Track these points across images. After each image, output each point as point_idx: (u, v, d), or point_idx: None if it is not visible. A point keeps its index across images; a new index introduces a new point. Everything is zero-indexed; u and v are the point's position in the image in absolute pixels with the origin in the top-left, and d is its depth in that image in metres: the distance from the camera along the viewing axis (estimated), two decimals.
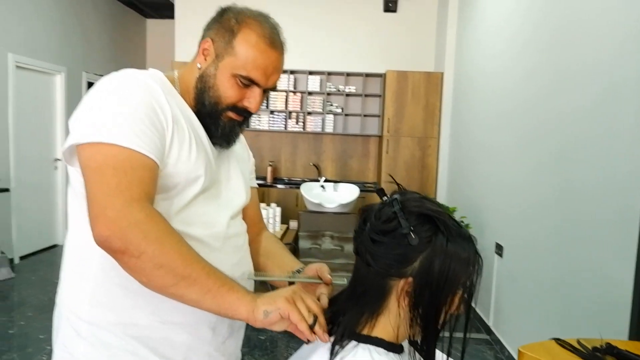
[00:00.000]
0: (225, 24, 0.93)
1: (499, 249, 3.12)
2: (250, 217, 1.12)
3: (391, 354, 0.76)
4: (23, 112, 4.64)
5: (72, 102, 5.42)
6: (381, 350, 0.76)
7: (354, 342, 0.76)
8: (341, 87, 5.21)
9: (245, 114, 0.97)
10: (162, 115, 0.86)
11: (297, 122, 5.26)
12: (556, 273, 2.35)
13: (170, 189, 0.88)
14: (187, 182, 0.90)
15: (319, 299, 0.87)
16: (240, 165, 1.08)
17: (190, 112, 0.95)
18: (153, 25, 7.25)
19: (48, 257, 5.00)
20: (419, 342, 0.78)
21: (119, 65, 6.42)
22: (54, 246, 5.32)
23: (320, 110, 5.22)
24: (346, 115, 5.27)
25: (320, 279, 0.94)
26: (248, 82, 0.92)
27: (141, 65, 7.11)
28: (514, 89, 3.01)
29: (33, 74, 4.82)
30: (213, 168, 0.96)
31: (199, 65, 0.95)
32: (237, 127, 0.99)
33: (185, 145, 0.89)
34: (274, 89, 0.98)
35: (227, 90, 0.93)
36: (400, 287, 0.74)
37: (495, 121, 3.36)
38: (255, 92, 0.94)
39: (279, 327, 0.77)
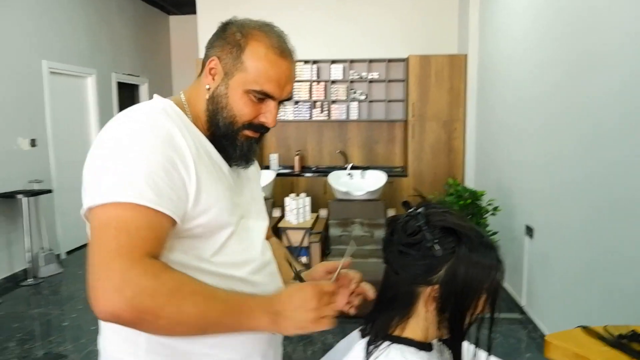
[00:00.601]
0: (230, 39, 0.88)
1: (529, 231, 3.14)
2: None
3: (421, 352, 0.84)
4: (59, 115, 4.85)
5: (104, 102, 5.62)
6: (412, 349, 0.83)
7: (387, 342, 0.84)
8: (364, 74, 5.21)
9: (262, 130, 0.93)
10: (180, 164, 0.81)
11: (321, 111, 5.31)
12: (587, 254, 2.36)
13: (201, 233, 0.86)
14: (219, 223, 0.87)
15: (363, 296, 0.98)
16: (254, 182, 1.06)
17: (207, 142, 0.90)
18: (175, 22, 7.37)
19: None
20: (446, 340, 0.85)
21: (145, 64, 6.60)
22: None
23: (344, 98, 5.25)
24: (370, 101, 5.28)
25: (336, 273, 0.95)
26: (262, 97, 0.88)
27: (166, 62, 7.26)
28: (541, 70, 2.97)
29: (66, 78, 5.01)
30: (237, 204, 0.93)
31: (207, 86, 0.90)
32: (255, 144, 0.94)
33: (213, 187, 0.86)
34: (289, 99, 0.93)
35: (241, 109, 0.88)
36: (427, 293, 0.81)
37: (522, 102, 3.33)
38: (271, 105, 0.90)
39: None
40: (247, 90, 0.87)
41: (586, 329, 1.21)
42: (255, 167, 1.06)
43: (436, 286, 0.80)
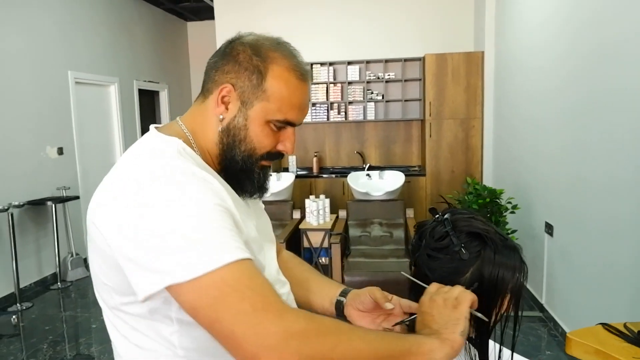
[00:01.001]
0: (245, 63, 0.79)
1: (549, 228, 3.12)
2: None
3: None
4: (84, 124, 5.00)
5: (126, 109, 5.76)
6: None
7: None
8: (380, 74, 5.24)
9: (278, 157, 0.87)
10: (226, 205, 0.72)
11: (338, 113, 5.35)
12: (607, 251, 2.35)
13: None
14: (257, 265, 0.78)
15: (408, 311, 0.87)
16: (260, 204, 0.98)
17: (221, 178, 0.81)
18: (193, 28, 7.50)
19: None
20: (473, 337, 0.88)
21: (165, 70, 6.73)
22: None
23: (361, 99, 5.28)
24: (387, 101, 5.30)
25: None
26: (282, 125, 0.81)
27: (185, 68, 7.39)
28: (562, 61, 2.93)
29: (90, 87, 5.17)
30: (262, 237, 0.87)
31: (221, 117, 0.80)
32: (268, 171, 0.87)
33: (248, 226, 0.79)
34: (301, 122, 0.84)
35: (262, 140, 0.81)
36: None
37: (542, 94, 3.30)
38: (289, 132, 0.83)
39: None
40: (269, 121, 0.80)
41: (606, 326, 1.23)
42: None
43: (463, 287, 0.83)
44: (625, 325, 1.22)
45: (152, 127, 0.84)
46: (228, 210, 0.71)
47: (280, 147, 0.84)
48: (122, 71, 5.68)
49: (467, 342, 0.91)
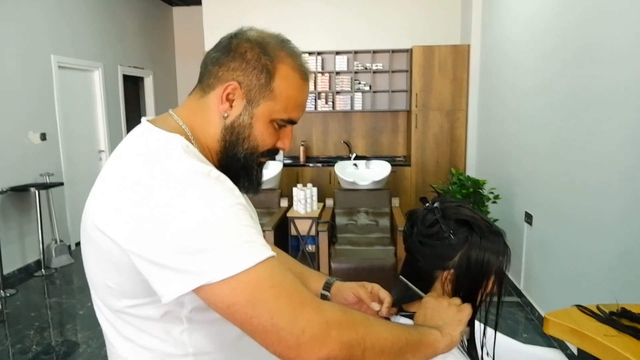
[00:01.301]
0: (254, 62, 0.78)
1: (529, 218, 3.23)
2: None
3: None
4: (67, 109, 4.94)
5: (110, 95, 5.70)
6: None
7: (408, 322, 0.93)
8: (368, 65, 5.27)
9: (276, 154, 0.88)
10: (241, 201, 0.73)
11: (326, 102, 5.38)
12: (583, 240, 2.45)
13: None
14: None
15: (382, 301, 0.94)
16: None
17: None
18: (179, 13, 7.40)
19: None
20: None
21: (150, 57, 6.65)
22: None
23: (349, 89, 5.31)
24: (374, 92, 5.35)
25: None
26: (284, 124, 0.83)
27: (170, 54, 7.31)
28: (548, 56, 3.00)
29: (74, 72, 5.09)
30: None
31: (225, 115, 0.80)
32: (263, 167, 0.88)
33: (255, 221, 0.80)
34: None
35: (265, 139, 0.82)
36: (444, 277, 0.92)
37: (527, 89, 3.38)
38: (288, 130, 0.85)
39: None
40: (274, 119, 0.81)
41: (581, 308, 1.31)
42: None
43: (452, 270, 0.90)
44: (598, 307, 1.29)
45: (144, 120, 0.81)
46: (246, 208, 0.72)
47: (279, 145, 0.85)
48: (106, 56, 5.60)
49: None
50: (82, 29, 5.17)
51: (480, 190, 3.56)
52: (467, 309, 0.86)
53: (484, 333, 0.96)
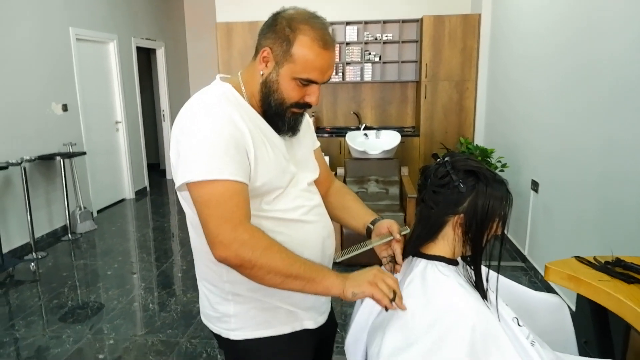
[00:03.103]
0: (280, 33, 1.02)
1: (535, 185, 3.37)
2: (320, 174, 1.27)
3: (450, 266, 1.10)
4: (86, 81, 5.07)
5: (125, 66, 5.80)
6: (443, 264, 1.10)
7: (424, 262, 1.10)
8: (378, 36, 5.32)
9: (307, 107, 1.10)
10: (242, 140, 1.01)
11: (336, 73, 5.46)
12: (585, 206, 2.61)
13: (259, 192, 1.06)
14: (272, 187, 1.08)
15: (395, 254, 1.14)
16: (305, 140, 1.23)
17: (260, 119, 1.08)
18: None
19: (120, 210, 5.61)
20: (468, 258, 1.11)
21: (162, 29, 6.70)
22: (122, 200, 5.92)
23: (359, 60, 5.38)
24: (384, 62, 5.41)
25: (392, 235, 1.15)
26: (307, 83, 1.04)
27: (181, 27, 7.35)
28: (558, 26, 3.07)
29: (90, 44, 5.19)
30: (288, 165, 1.11)
31: (261, 72, 1.06)
32: (300, 117, 1.13)
33: (265, 158, 1.05)
34: (328, 81, 1.09)
35: (289, 92, 1.05)
36: (454, 221, 1.07)
37: (533, 62, 3.48)
38: (314, 88, 1.06)
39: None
40: (295, 78, 1.03)
41: (579, 258, 1.48)
42: (305, 125, 1.21)
43: (461, 215, 1.05)
44: (594, 258, 1.46)
45: (217, 76, 1.14)
46: (242, 141, 1.01)
47: (307, 99, 1.08)
48: (120, 28, 5.68)
49: (463, 262, 1.14)
50: (97, 0, 5.24)
51: (488, 159, 3.70)
52: (374, 289, 0.98)
53: (488, 274, 1.12)
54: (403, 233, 1.17)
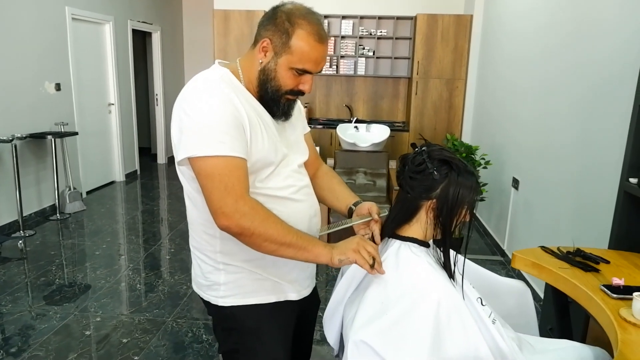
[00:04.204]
0: (280, 26, 1.12)
1: (515, 183, 3.49)
2: (309, 156, 1.38)
3: (422, 247, 1.19)
4: (80, 61, 5.08)
5: (120, 49, 5.81)
6: (415, 245, 1.19)
7: (397, 243, 1.19)
8: (373, 31, 5.40)
9: (300, 94, 1.21)
10: (240, 119, 1.10)
11: (330, 66, 5.53)
12: (561, 204, 2.72)
13: (253, 169, 1.15)
14: (265, 164, 1.17)
15: (373, 234, 1.24)
16: (297, 124, 1.33)
17: (255, 102, 1.17)
18: None
19: (109, 192, 5.64)
20: (439, 240, 1.20)
21: (158, 12, 6.70)
22: (112, 182, 5.95)
23: (353, 54, 5.46)
24: (377, 57, 5.49)
25: (371, 216, 1.27)
26: (302, 72, 1.15)
27: (178, 12, 7.35)
28: (544, 31, 3.18)
29: (86, 24, 5.20)
30: (280, 146, 1.20)
31: (260, 61, 1.15)
32: (293, 104, 1.24)
33: (259, 137, 1.14)
34: (320, 71, 1.20)
35: (285, 80, 1.15)
36: (428, 205, 1.16)
37: (523, 61, 3.57)
38: (308, 77, 1.17)
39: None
40: (291, 68, 1.13)
41: (544, 248, 1.58)
42: (296, 110, 1.31)
43: (434, 200, 1.14)
44: (558, 248, 1.56)
45: (216, 61, 1.22)
46: (240, 120, 1.10)
47: (300, 87, 1.18)
48: (117, 10, 5.68)
49: (434, 243, 1.23)
50: None
51: (473, 156, 3.81)
52: (357, 256, 1.10)
53: (456, 257, 1.22)
54: (381, 215, 1.27)
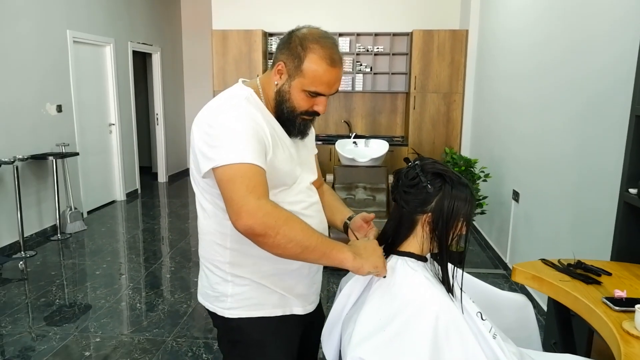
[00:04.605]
0: (293, 50, 1.16)
1: (516, 195, 3.49)
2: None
3: (419, 262, 1.19)
4: (81, 83, 5.13)
5: (121, 70, 5.88)
6: (412, 259, 1.18)
7: (394, 258, 1.19)
8: (370, 47, 5.46)
9: (315, 115, 1.25)
10: (263, 137, 1.14)
11: None
12: (563, 216, 2.72)
13: (269, 185, 1.15)
14: (281, 182, 1.21)
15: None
16: (308, 144, 1.37)
17: (274, 121, 1.22)
18: None
19: (110, 211, 5.64)
20: (438, 256, 1.20)
21: (159, 34, 6.79)
22: (113, 202, 5.96)
23: (351, 70, 5.51)
24: (375, 73, 5.55)
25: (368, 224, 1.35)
26: (315, 94, 1.19)
27: (177, 32, 7.45)
28: (539, 47, 3.21)
29: (87, 47, 5.27)
30: (296, 166, 1.26)
31: (276, 83, 1.20)
32: (309, 123, 1.28)
33: (279, 156, 1.18)
34: (335, 93, 1.23)
35: (299, 102, 1.20)
36: (423, 219, 1.16)
37: (519, 76, 3.60)
38: (322, 99, 1.21)
39: None
40: (304, 90, 1.17)
41: (544, 260, 1.57)
42: (311, 134, 1.37)
43: (429, 214, 1.14)
44: (559, 260, 1.56)
45: (240, 80, 1.28)
46: (261, 135, 1.14)
47: (315, 108, 1.22)
48: (117, 32, 5.76)
49: (432, 258, 1.23)
50: (95, 4, 5.32)
51: (472, 169, 3.82)
52: (385, 269, 1.13)
53: (454, 270, 1.21)
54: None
